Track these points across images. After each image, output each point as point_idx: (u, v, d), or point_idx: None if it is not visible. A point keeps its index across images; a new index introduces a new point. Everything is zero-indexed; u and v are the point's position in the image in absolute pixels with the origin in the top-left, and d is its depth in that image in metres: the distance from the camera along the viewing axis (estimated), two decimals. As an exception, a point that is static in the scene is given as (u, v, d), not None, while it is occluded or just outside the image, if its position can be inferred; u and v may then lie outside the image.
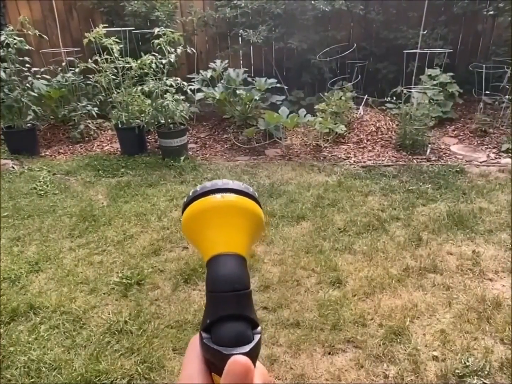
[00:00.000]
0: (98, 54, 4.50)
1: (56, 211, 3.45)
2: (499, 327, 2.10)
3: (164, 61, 4.35)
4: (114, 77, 4.58)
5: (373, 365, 1.94)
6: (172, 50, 4.35)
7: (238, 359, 0.35)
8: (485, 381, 1.82)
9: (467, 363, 1.90)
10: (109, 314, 2.30)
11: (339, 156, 4.49)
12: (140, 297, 2.43)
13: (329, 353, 2.02)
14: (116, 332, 2.17)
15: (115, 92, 4.63)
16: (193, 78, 5.23)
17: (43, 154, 4.91)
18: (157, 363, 1.98)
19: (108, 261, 2.77)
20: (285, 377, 1.90)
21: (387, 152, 4.54)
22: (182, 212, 0.43)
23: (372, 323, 2.18)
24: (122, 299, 2.43)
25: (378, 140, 4.82)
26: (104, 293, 2.47)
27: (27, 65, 4.74)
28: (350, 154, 4.55)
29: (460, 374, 1.86)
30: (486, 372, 1.86)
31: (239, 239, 0.41)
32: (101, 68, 4.52)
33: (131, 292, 2.48)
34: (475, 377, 1.84)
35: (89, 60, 4.55)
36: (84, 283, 2.56)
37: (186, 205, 0.43)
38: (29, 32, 4.69)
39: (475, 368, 1.87)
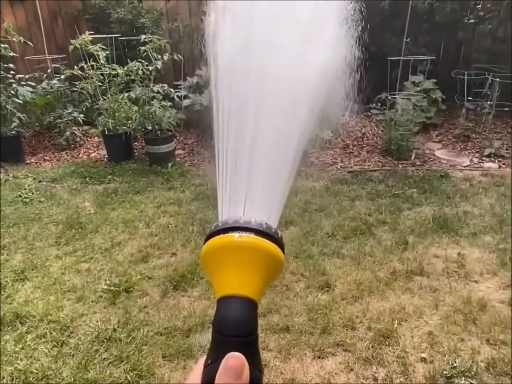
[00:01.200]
0: (84, 61, 4.48)
1: (42, 219, 3.41)
2: (485, 328, 2.13)
3: (150, 68, 4.35)
4: (100, 83, 4.56)
5: (362, 368, 1.96)
6: (159, 57, 4.36)
7: (234, 354, 0.36)
8: (472, 382, 1.85)
9: (455, 364, 1.93)
10: (97, 322, 2.27)
11: (326, 161, 4.54)
12: (128, 305, 2.41)
13: (319, 357, 2.03)
14: (105, 340, 2.15)
15: (102, 99, 4.60)
16: (180, 84, 5.24)
17: (28, 161, 4.85)
18: (147, 371, 1.97)
19: (95, 269, 2.74)
20: (276, 381, 1.91)
21: (373, 157, 4.60)
22: (204, 244, 0.42)
23: (361, 326, 2.20)
24: (110, 306, 2.41)
25: (364, 145, 4.88)
26: (92, 301, 2.45)
27: (12, 72, 4.69)
28: (337, 159, 4.59)
29: (448, 375, 1.88)
30: (473, 373, 1.89)
31: (253, 282, 0.40)
32: (87, 75, 4.50)
33: (119, 300, 2.45)
34: (463, 378, 1.87)
35: (75, 66, 4.52)
36: (71, 291, 2.53)
37: (207, 238, 0.42)
38: (14, 39, 4.65)
39: (462, 369, 1.90)
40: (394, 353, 2.03)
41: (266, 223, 0.41)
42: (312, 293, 2.45)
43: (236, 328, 0.38)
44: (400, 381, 1.89)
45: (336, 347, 2.08)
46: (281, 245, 0.42)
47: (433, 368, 1.93)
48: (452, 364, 1.94)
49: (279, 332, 2.17)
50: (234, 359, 0.36)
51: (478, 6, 5.77)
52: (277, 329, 2.19)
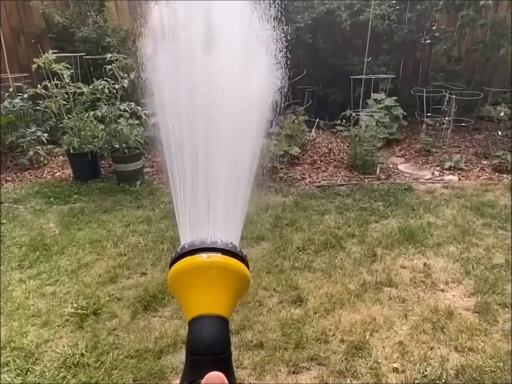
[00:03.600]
0: (47, 80, 4.39)
1: (4, 241, 3.28)
2: (453, 336, 2.20)
3: (117, 86, 4.31)
4: (65, 102, 4.48)
5: (336, 381, 1.97)
6: (125, 75, 4.33)
7: (215, 373, 0.36)
8: (442, 388, 1.90)
9: (425, 373, 1.97)
10: (64, 347, 2.19)
11: (295, 177, 4.60)
12: (97, 328, 2.33)
13: (294, 372, 2.03)
14: (72, 366, 2.07)
15: (66, 118, 4.52)
16: (147, 102, 5.20)
17: (-12, 182, 4.67)
18: (118, 396, 1.90)
19: (61, 292, 2.65)
20: (251, 399, 1.88)
21: (340, 172, 4.71)
22: (169, 268, 0.43)
23: (334, 339, 2.22)
24: (77, 330, 2.32)
25: (331, 161, 4.99)
26: (58, 326, 2.36)
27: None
28: (305, 174, 4.67)
29: (419, 384, 1.92)
30: (443, 380, 1.93)
31: (222, 300, 0.41)
32: (51, 94, 4.41)
33: (87, 323, 2.37)
34: (433, 385, 1.91)
35: (38, 85, 4.43)
36: (36, 316, 2.43)
37: (172, 262, 0.43)
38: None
39: (433, 377, 1.95)
40: (367, 364, 2.05)
41: (231, 243, 0.43)
42: (285, 308, 2.46)
43: (211, 347, 0.38)
44: (374, 392, 1.90)
45: (310, 362, 2.09)
46: (246, 263, 0.44)
47: (405, 378, 1.96)
48: (423, 372, 1.98)
49: (253, 349, 2.16)
50: (216, 378, 0.36)
51: (433, 27, 6.10)
52: (251, 346, 2.17)
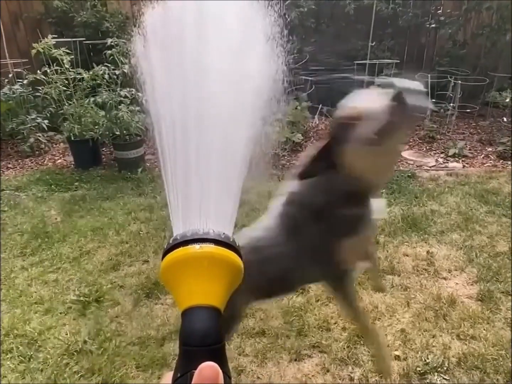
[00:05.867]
0: (47, 65, 4.35)
1: (6, 229, 3.28)
2: (455, 324, 2.19)
3: (117, 72, 4.27)
4: (65, 88, 4.44)
5: (338, 369, 1.97)
6: (126, 60, 4.28)
7: (208, 364, 0.36)
8: (444, 377, 1.90)
9: (427, 360, 1.97)
10: (67, 334, 2.20)
11: (297, 164, 4.56)
12: (99, 315, 2.34)
13: (296, 360, 2.03)
14: (75, 353, 2.08)
15: (67, 104, 4.48)
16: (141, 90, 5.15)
17: (-11, 169, 4.66)
18: (120, 382, 1.91)
19: (63, 279, 2.65)
20: (253, 387, 1.89)
21: (342, 159, 4.66)
22: (162, 259, 0.43)
23: (336, 327, 2.22)
24: (80, 318, 2.33)
25: (333, 148, 4.94)
26: (60, 313, 2.36)
27: (-29, 77, 4.50)
28: (308, 162, 4.63)
29: (421, 372, 1.92)
30: (445, 368, 1.93)
31: (215, 291, 0.41)
32: (51, 80, 4.37)
33: (89, 310, 2.38)
34: (435, 374, 1.91)
35: (38, 71, 4.38)
36: (38, 304, 2.44)
37: (165, 253, 0.42)
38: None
39: (435, 365, 1.94)
40: (369, 352, 2.05)
41: (224, 233, 0.43)
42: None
43: (205, 338, 0.38)
44: (376, 380, 1.91)
45: (312, 349, 2.09)
46: (239, 254, 0.43)
47: (407, 365, 1.96)
48: (425, 360, 1.98)
49: (255, 337, 2.16)
50: (209, 369, 0.35)
51: (438, 11, 5.98)
52: (253, 334, 2.18)
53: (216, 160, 0.45)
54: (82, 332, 2.21)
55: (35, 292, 2.53)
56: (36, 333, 2.20)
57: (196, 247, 0.41)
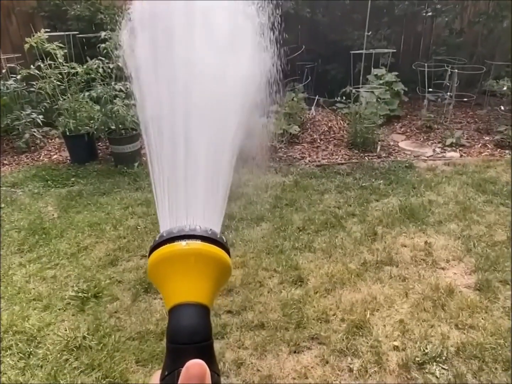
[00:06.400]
0: (41, 60, 4.30)
1: (3, 225, 3.26)
2: (453, 313, 2.20)
3: (111, 66, 4.22)
4: (59, 83, 4.39)
5: (337, 360, 1.98)
6: (117, 52, 4.22)
7: (195, 361, 0.35)
8: (443, 367, 1.91)
9: (426, 350, 1.98)
10: (66, 330, 2.20)
11: (294, 156, 4.56)
12: (98, 310, 2.34)
13: (295, 352, 2.04)
14: (75, 349, 2.08)
15: (61, 99, 4.44)
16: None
17: (-15, 166, 4.63)
18: (120, 377, 1.91)
19: (62, 275, 2.65)
20: (252, 379, 1.90)
21: (340, 150, 4.66)
22: (148, 257, 0.42)
23: (335, 318, 2.22)
24: (79, 313, 2.33)
25: (331, 139, 4.93)
26: (59, 309, 2.36)
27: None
28: (305, 154, 4.62)
29: (420, 362, 1.93)
30: (444, 358, 1.94)
31: (203, 288, 0.40)
32: (44, 74, 4.32)
33: (88, 306, 2.38)
34: (434, 363, 1.92)
35: (32, 66, 4.34)
36: (37, 300, 2.43)
37: (151, 250, 0.42)
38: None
39: (434, 355, 1.95)
40: (367, 343, 2.06)
41: (211, 229, 0.42)
42: (285, 288, 2.46)
43: (192, 335, 0.38)
44: (375, 370, 1.92)
45: (311, 341, 2.09)
46: (227, 250, 0.43)
47: (406, 356, 1.97)
48: (424, 350, 1.99)
49: (254, 329, 2.16)
50: (196, 366, 0.35)
51: None
52: (252, 326, 2.18)
53: (204, 154, 0.45)
54: (81, 327, 2.21)
55: (34, 288, 2.53)
56: (35, 330, 2.20)
57: (182, 243, 0.40)
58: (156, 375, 0.38)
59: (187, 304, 0.39)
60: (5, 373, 1.95)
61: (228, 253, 0.43)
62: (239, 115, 0.47)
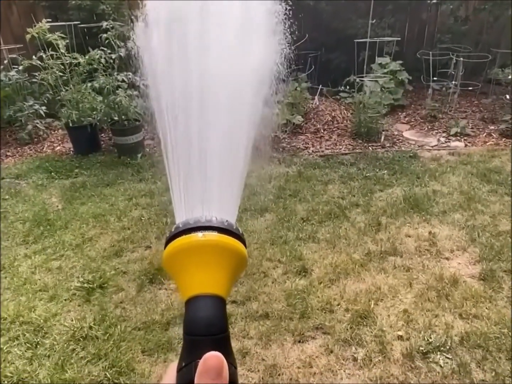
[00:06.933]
0: (42, 51, 4.28)
1: (8, 217, 3.28)
2: (457, 303, 2.20)
3: (114, 56, 4.20)
4: (61, 74, 4.37)
5: (342, 350, 1.99)
6: (122, 44, 4.21)
7: (213, 354, 0.35)
8: (447, 356, 1.91)
9: (430, 340, 1.99)
10: (72, 320, 2.22)
11: (298, 146, 4.54)
12: (104, 301, 2.36)
13: (299, 341, 2.05)
14: (81, 339, 2.10)
15: (64, 90, 4.42)
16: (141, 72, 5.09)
17: (-12, 158, 4.64)
18: (126, 367, 1.93)
19: (67, 266, 2.66)
20: (257, 368, 1.91)
21: (343, 140, 4.64)
22: (164, 248, 0.42)
23: (339, 308, 2.23)
24: (85, 304, 2.35)
25: (334, 129, 4.91)
26: (65, 300, 2.38)
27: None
28: (308, 144, 4.60)
29: (424, 351, 1.94)
30: (448, 347, 1.95)
31: (219, 279, 0.40)
32: (46, 65, 4.31)
33: (94, 297, 2.40)
34: (438, 353, 1.93)
35: (34, 56, 4.32)
36: (43, 291, 2.45)
37: (167, 241, 0.42)
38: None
39: (438, 344, 1.96)
40: (372, 332, 2.07)
41: (227, 221, 0.42)
42: (289, 278, 2.46)
43: (209, 327, 0.38)
44: (379, 360, 1.93)
45: (316, 331, 2.11)
46: (243, 241, 0.43)
47: (410, 345, 1.98)
48: (428, 340, 1.99)
49: (259, 319, 2.18)
50: (214, 359, 0.35)
51: (440, -13, 5.85)
52: (256, 317, 2.19)
53: (219, 144, 0.44)
54: (88, 318, 2.23)
55: (39, 279, 2.55)
56: (41, 320, 2.22)
57: (199, 235, 0.40)
58: (173, 366, 0.39)
59: (204, 295, 0.39)
60: (13, 363, 1.98)
61: (244, 244, 0.43)
62: (254, 104, 0.47)
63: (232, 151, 0.45)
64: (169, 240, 0.42)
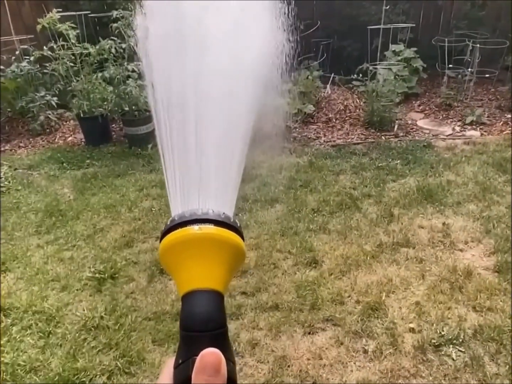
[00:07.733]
0: (53, 41, 4.28)
1: (20, 207, 3.31)
2: (471, 296, 2.17)
3: (124, 46, 4.19)
4: (72, 64, 4.38)
5: (352, 341, 1.97)
6: (133, 33, 4.18)
7: (210, 350, 0.34)
8: (460, 349, 1.89)
9: (442, 333, 1.96)
10: (84, 310, 2.24)
11: (309, 136, 4.49)
12: (115, 291, 2.37)
13: (309, 333, 2.04)
14: (92, 328, 2.12)
15: (75, 80, 4.43)
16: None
17: (2, 148, 4.68)
18: (137, 356, 1.95)
19: (79, 257, 2.69)
20: (267, 360, 1.91)
21: (356, 130, 4.57)
22: (160, 241, 0.41)
23: (350, 300, 2.21)
24: (96, 294, 2.37)
25: (346, 118, 4.84)
26: (77, 290, 2.41)
27: (-22, 55, 4.47)
28: (320, 133, 4.55)
29: (436, 344, 1.91)
30: (460, 340, 1.92)
31: (217, 274, 0.39)
32: (57, 56, 4.31)
33: (105, 287, 2.42)
34: (451, 346, 1.90)
35: (44, 47, 4.33)
36: (55, 281, 2.48)
37: (163, 235, 0.41)
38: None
39: (450, 337, 1.93)
40: (383, 325, 2.04)
41: (224, 213, 0.41)
42: (300, 270, 2.45)
43: (206, 323, 0.37)
44: (390, 352, 1.91)
45: (326, 322, 2.09)
46: (240, 234, 0.42)
47: (422, 338, 1.95)
48: (440, 332, 1.97)
49: (269, 311, 2.17)
50: (211, 355, 0.34)
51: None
52: (266, 308, 2.19)
53: (216, 135, 0.43)
54: (99, 308, 2.25)
55: (51, 269, 2.57)
56: (54, 310, 2.24)
57: (195, 228, 0.39)
58: (170, 362, 0.38)
59: (201, 290, 0.38)
60: (26, 352, 2.01)
61: (242, 237, 0.42)
62: (253, 95, 0.45)
63: (230, 142, 0.44)
64: (165, 233, 0.40)
